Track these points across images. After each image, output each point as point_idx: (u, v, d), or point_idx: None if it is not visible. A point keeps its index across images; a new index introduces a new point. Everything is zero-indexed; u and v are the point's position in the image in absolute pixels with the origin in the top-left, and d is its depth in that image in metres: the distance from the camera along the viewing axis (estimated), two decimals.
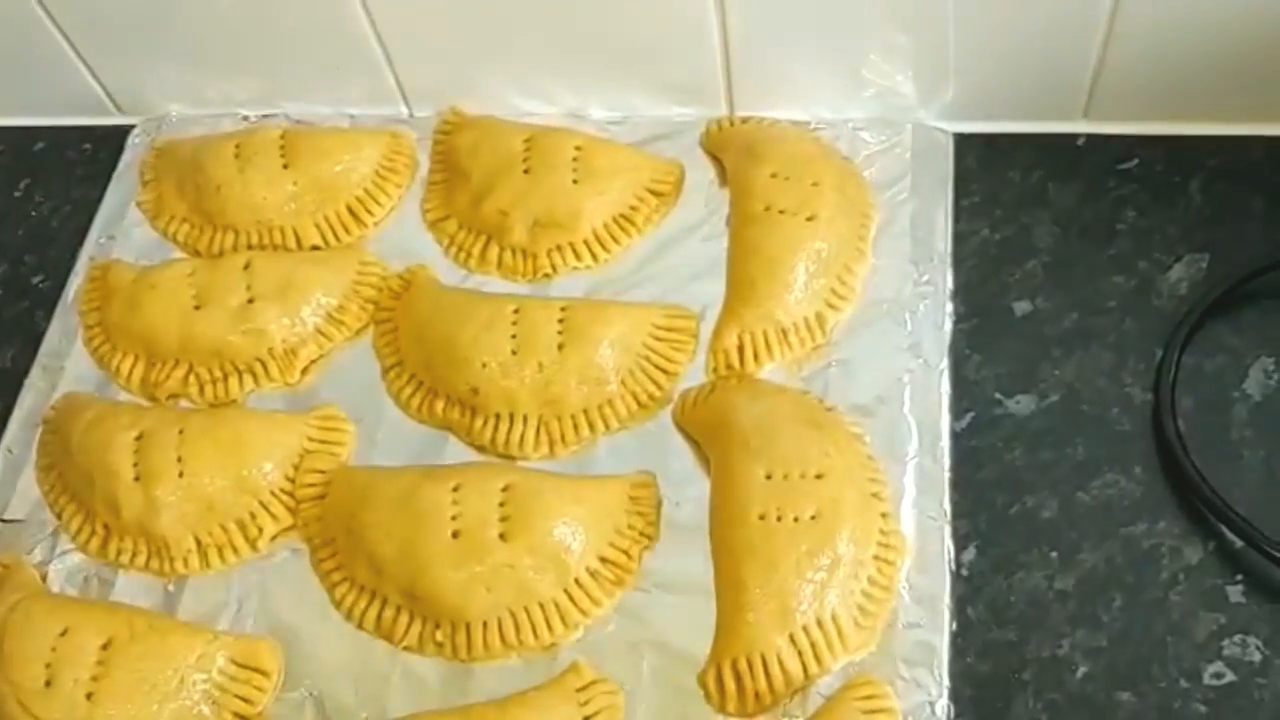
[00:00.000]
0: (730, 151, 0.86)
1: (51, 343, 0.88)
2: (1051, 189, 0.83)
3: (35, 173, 0.99)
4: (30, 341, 0.88)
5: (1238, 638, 0.67)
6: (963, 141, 0.86)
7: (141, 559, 0.77)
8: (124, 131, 0.98)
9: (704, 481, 0.75)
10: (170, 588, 0.76)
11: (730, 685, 0.67)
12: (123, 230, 0.93)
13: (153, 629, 0.73)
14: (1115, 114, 0.84)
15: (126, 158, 0.97)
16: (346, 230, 0.89)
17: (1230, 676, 0.66)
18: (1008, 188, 0.84)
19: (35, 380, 0.86)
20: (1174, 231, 0.80)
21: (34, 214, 0.97)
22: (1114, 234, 0.81)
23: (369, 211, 0.89)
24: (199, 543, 0.77)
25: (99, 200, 0.95)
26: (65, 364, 0.87)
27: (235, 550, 0.77)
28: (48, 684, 0.70)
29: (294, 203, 0.89)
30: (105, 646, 0.71)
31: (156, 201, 0.93)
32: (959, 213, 0.83)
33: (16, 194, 0.98)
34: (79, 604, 0.76)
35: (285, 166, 0.89)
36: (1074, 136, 0.85)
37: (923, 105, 0.86)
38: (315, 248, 0.88)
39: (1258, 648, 0.67)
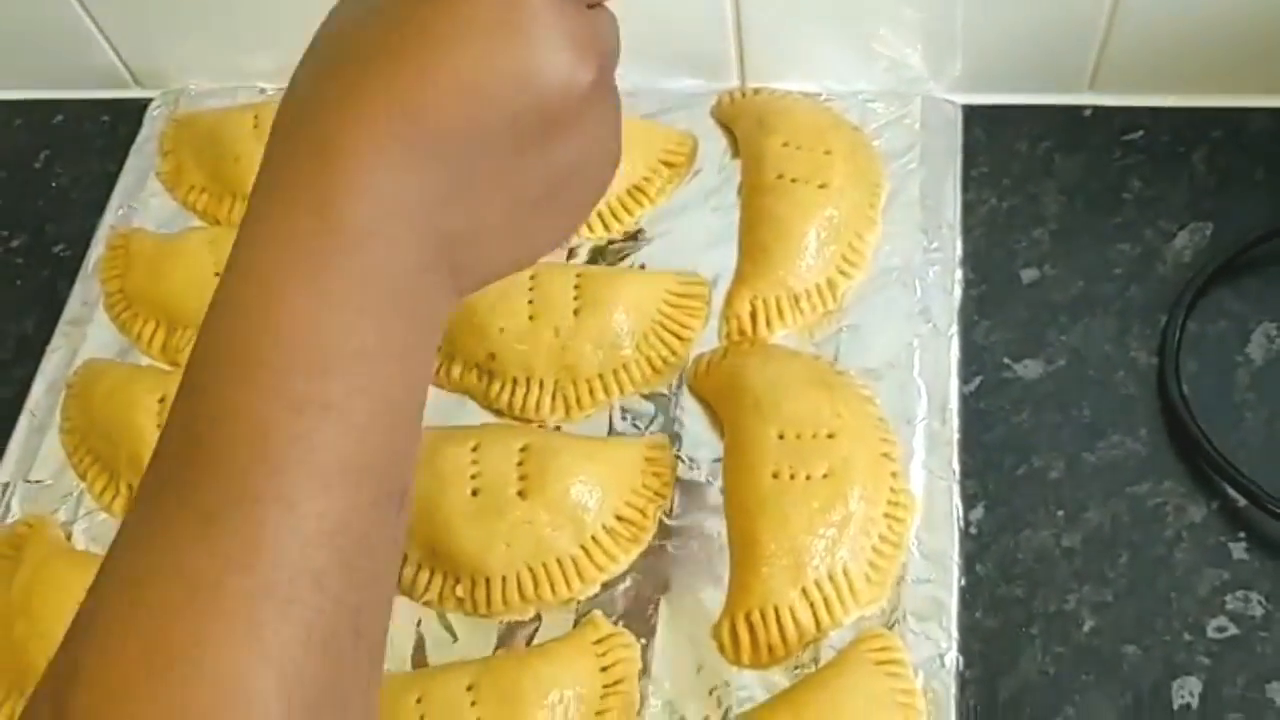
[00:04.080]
0: (742, 122, 0.87)
1: (73, 310, 0.89)
2: (1058, 159, 0.85)
3: (54, 145, 1.00)
4: (52, 309, 0.89)
5: (1240, 593, 0.68)
6: (971, 113, 0.87)
7: None
8: (142, 104, 0.99)
9: (717, 443, 0.76)
10: None
11: (744, 637, 0.69)
12: (142, 200, 0.93)
13: None
14: (1121, 86, 0.85)
15: (145, 130, 0.97)
16: None
17: (1233, 630, 0.67)
18: (1015, 158, 0.85)
19: (57, 346, 0.87)
20: (1178, 201, 0.82)
21: (54, 185, 0.98)
22: (1119, 203, 0.82)
23: None
24: None
25: (118, 172, 0.96)
26: (87, 330, 0.87)
27: None
28: None
29: None
30: None
31: (175, 172, 0.94)
32: (967, 182, 0.84)
33: (36, 165, 0.99)
34: None
35: None
36: (1080, 108, 0.86)
37: (932, 78, 0.87)
38: None
39: (1259, 602, 0.68)
